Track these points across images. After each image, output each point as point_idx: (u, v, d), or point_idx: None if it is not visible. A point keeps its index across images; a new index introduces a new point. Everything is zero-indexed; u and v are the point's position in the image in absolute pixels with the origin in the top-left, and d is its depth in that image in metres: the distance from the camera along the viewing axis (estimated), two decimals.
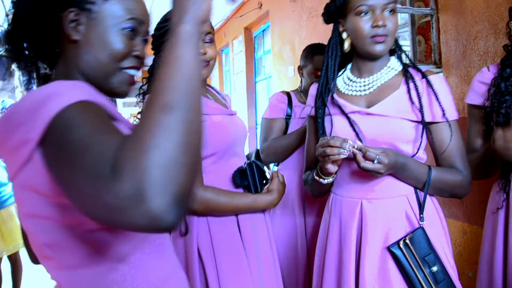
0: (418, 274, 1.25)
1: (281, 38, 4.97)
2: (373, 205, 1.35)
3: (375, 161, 1.23)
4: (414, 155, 1.35)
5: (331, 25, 1.52)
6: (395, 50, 1.44)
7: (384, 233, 1.32)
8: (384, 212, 1.34)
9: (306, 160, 1.58)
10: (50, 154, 0.65)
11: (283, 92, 2.27)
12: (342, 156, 1.25)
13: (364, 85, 1.42)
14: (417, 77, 1.39)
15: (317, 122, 1.47)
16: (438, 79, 1.38)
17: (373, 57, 1.40)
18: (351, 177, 1.39)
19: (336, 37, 1.46)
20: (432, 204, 1.39)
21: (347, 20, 1.39)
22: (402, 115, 1.34)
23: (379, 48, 1.35)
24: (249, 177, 1.42)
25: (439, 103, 1.34)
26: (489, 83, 1.54)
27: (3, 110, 5.25)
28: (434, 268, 1.26)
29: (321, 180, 1.39)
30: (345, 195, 1.40)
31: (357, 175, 1.37)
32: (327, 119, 1.44)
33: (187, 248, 1.40)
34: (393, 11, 1.34)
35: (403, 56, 1.46)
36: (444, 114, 1.33)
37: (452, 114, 1.36)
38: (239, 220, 1.43)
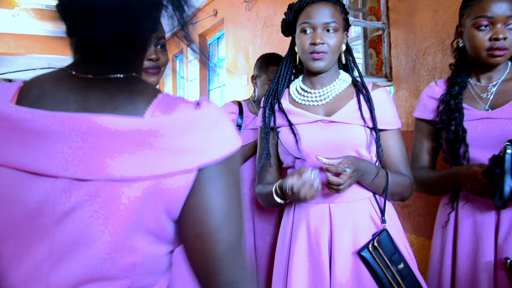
0: (387, 273, 1.34)
1: (235, 47, 4.95)
2: (341, 208, 1.41)
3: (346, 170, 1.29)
4: (372, 159, 1.45)
5: (285, 36, 1.60)
6: (346, 63, 1.53)
7: (352, 236, 1.39)
8: (351, 214, 1.41)
9: (258, 171, 1.57)
10: None
11: (234, 101, 2.24)
12: (317, 190, 1.30)
13: (320, 96, 1.49)
14: (368, 87, 1.48)
15: (263, 129, 1.53)
16: (384, 92, 1.50)
17: (315, 72, 1.48)
18: None
19: (290, 50, 1.56)
20: (390, 205, 1.48)
21: (296, 36, 1.49)
22: (360, 122, 1.42)
23: (316, 64, 1.44)
24: None
25: (384, 113, 1.46)
26: (437, 98, 1.57)
27: None
28: (400, 266, 1.35)
29: (281, 201, 1.44)
30: (311, 201, 1.41)
31: (322, 180, 1.39)
32: (284, 129, 1.50)
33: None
34: (334, 30, 1.43)
35: (351, 68, 1.55)
36: (389, 123, 1.46)
37: (397, 123, 1.49)
38: None
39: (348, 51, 1.53)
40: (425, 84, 2.32)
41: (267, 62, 2.18)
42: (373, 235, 1.37)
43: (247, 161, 2.11)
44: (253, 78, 2.24)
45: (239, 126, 2.15)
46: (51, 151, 0.61)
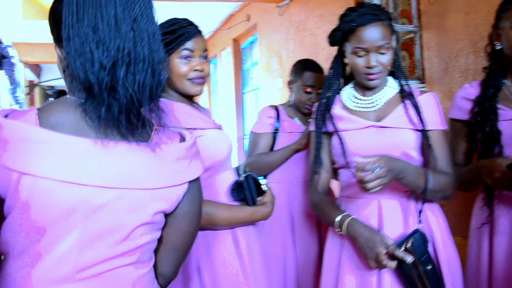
0: (413, 273, 1.35)
1: (269, 51, 5.05)
2: (392, 203, 1.48)
3: (375, 171, 1.29)
4: (421, 160, 1.51)
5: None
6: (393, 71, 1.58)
7: (402, 231, 1.44)
8: (398, 211, 1.47)
9: (313, 177, 1.65)
10: None
11: (271, 106, 2.32)
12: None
13: (371, 102, 1.57)
14: (415, 93, 1.55)
15: (316, 134, 1.62)
16: (430, 96, 1.56)
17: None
18: None
19: (339, 60, 1.61)
20: (436, 205, 1.53)
21: (347, 52, 1.54)
22: (409, 125, 1.50)
23: (372, 83, 1.52)
24: (246, 190, 1.46)
25: (431, 115, 1.52)
26: (472, 99, 1.62)
27: None
28: (428, 267, 1.37)
29: (339, 231, 1.49)
30: (361, 196, 1.51)
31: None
32: (335, 135, 1.59)
33: (185, 265, 1.42)
34: (387, 49, 1.47)
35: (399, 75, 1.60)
36: (435, 124, 1.51)
37: (443, 124, 1.54)
38: (235, 233, 1.47)
39: (396, 58, 1.57)
40: (458, 85, 2.36)
41: (302, 68, 2.26)
42: (406, 235, 1.40)
43: (297, 162, 2.19)
44: (289, 83, 2.32)
45: (276, 130, 2.23)
46: (81, 165, 0.81)
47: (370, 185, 1.27)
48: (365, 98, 1.58)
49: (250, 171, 2.18)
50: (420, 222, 1.44)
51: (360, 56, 1.48)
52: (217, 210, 1.40)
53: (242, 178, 1.48)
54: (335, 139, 1.58)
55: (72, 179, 0.80)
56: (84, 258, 0.83)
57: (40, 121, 0.82)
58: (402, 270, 1.36)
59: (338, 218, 1.48)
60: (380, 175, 1.28)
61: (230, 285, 1.41)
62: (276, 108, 2.29)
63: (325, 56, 3.65)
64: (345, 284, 1.48)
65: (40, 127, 0.81)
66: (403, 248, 1.35)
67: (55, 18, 0.88)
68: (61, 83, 8.63)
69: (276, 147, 2.23)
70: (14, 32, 6.38)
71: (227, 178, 1.51)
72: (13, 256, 0.83)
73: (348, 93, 1.62)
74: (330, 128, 1.60)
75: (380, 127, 1.51)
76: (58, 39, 0.88)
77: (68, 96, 0.89)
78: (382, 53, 1.46)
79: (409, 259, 1.32)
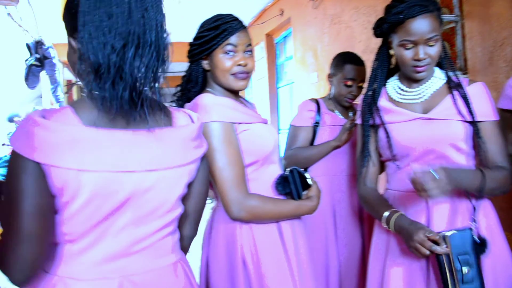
0: (444, 267, 1.33)
1: (303, 45, 5.03)
2: (439, 199, 1.43)
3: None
4: (470, 152, 1.49)
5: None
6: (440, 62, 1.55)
7: (449, 226, 1.42)
8: (448, 204, 1.45)
9: (361, 170, 1.65)
10: None
11: (312, 99, 2.32)
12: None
13: (417, 94, 1.55)
14: (463, 83, 1.51)
15: (363, 127, 1.62)
16: (479, 85, 1.52)
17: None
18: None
19: (385, 51, 1.59)
20: (488, 204, 1.51)
21: (393, 43, 1.51)
22: (457, 117, 1.47)
23: (419, 75, 1.49)
24: (291, 184, 1.46)
25: (481, 105, 1.48)
26: None
27: None
28: (465, 269, 1.32)
29: (386, 227, 1.49)
30: (409, 190, 1.48)
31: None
32: (381, 128, 1.58)
33: (231, 257, 1.43)
34: (435, 41, 1.44)
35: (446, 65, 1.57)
36: (486, 115, 1.47)
37: (494, 115, 1.49)
38: (280, 227, 1.47)
39: (443, 48, 1.54)
40: (504, 75, 2.29)
41: (343, 60, 2.24)
42: (456, 229, 1.38)
43: (340, 155, 2.18)
44: (329, 76, 2.31)
45: (317, 124, 2.23)
46: (129, 154, 0.92)
47: (433, 192, 1.27)
48: (411, 89, 1.55)
49: (288, 165, 2.20)
50: (474, 221, 1.41)
51: (408, 49, 1.45)
52: (263, 204, 1.41)
53: (287, 171, 1.48)
54: (381, 132, 1.57)
55: (126, 168, 0.91)
56: (137, 233, 0.96)
57: (81, 119, 0.89)
58: (437, 261, 1.35)
59: (386, 214, 1.47)
60: (440, 182, 1.28)
61: (275, 278, 1.41)
62: (316, 101, 2.29)
63: (361, 49, 3.61)
64: (392, 278, 1.47)
65: (87, 126, 0.88)
66: (440, 236, 1.33)
67: (72, 11, 0.93)
68: None
69: (317, 141, 2.23)
70: (54, 33, 6.55)
71: (273, 172, 1.51)
72: (73, 241, 0.92)
73: (393, 85, 1.61)
74: (376, 120, 1.59)
75: (427, 119, 1.49)
76: (72, 30, 0.95)
77: (94, 92, 0.94)
78: (431, 45, 1.44)
79: (442, 247, 1.31)
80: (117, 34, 0.88)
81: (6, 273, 0.88)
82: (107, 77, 0.88)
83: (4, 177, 0.88)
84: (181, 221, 1.10)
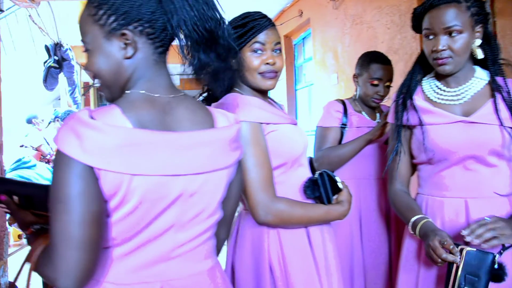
0: (449, 277, 1.27)
1: (323, 46, 4.96)
2: (479, 203, 1.38)
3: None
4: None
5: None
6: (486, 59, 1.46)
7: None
8: (490, 211, 1.35)
9: (392, 172, 1.58)
10: None
11: (338, 100, 2.26)
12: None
13: (456, 94, 1.46)
14: (510, 85, 1.43)
15: (395, 125, 1.54)
16: None
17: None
18: (451, 176, 1.42)
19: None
20: None
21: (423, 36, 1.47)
22: (503, 123, 1.38)
23: (441, 69, 1.41)
24: (321, 188, 1.39)
25: None
26: None
27: (56, 119, 5.42)
28: None
29: (412, 233, 1.43)
30: (446, 195, 1.42)
31: (459, 173, 1.40)
32: (417, 128, 1.50)
33: (257, 263, 1.39)
34: (458, 33, 1.37)
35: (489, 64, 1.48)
36: None
37: None
38: (309, 232, 1.41)
39: (489, 44, 1.46)
40: None
41: (369, 60, 2.17)
42: (480, 249, 1.28)
43: (367, 158, 2.11)
44: (355, 76, 2.24)
45: (344, 125, 2.16)
46: (179, 158, 0.88)
47: (504, 237, 1.24)
48: (450, 89, 1.47)
49: (319, 166, 2.13)
50: (504, 249, 1.29)
51: (429, 39, 1.40)
52: (291, 208, 1.34)
53: (316, 175, 1.42)
54: (417, 133, 1.49)
55: (174, 171, 0.88)
56: (178, 238, 0.93)
57: (131, 121, 0.85)
58: (447, 269, 1.29)
59: (413, 219, 1.41)
60: (503, 228, 1.24)
61: (302, 285, 1.36)
62: (342, 102, 2.22)
63: (384, 49, 3.52)
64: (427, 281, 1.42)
65: (137, 128, 0.84)
66: (457, 248, 1.27)
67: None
68: None
69: (343, 143, 2.15)
70: (72, 35, 6.59)
71: (302, 175, 1.45)
72: (116, 246, 0.89)
73: (430, 84, 1.52)
74: (412, 121, 1.50)
75: (469, 122, 1.41)
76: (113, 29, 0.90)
77: (139, 91, 0.91)
78: (453, 37, 1.37)
79: (452, 257, 1.24)
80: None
81: (55, 282, 0.83)
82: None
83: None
84: (218, 224, 1.06)
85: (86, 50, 0.94)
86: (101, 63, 0.92)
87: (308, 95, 5.90)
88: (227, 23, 0.97)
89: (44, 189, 1.08)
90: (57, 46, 5.59)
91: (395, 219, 2.08)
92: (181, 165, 0.89)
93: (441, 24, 1.37)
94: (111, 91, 0.95)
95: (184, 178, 0.89)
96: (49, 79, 5.63)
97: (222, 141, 0.97)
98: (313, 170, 2.23)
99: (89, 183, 0.80)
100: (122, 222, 0.86)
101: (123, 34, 0.89)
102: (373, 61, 2.15)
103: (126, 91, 0.92)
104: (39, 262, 0.90)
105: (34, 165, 3.91)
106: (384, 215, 2.11)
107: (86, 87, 10.11)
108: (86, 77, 9.10)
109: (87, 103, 10.39)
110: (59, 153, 0.81)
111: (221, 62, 0.96)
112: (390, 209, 2.09)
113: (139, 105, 0.88)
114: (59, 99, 7.01)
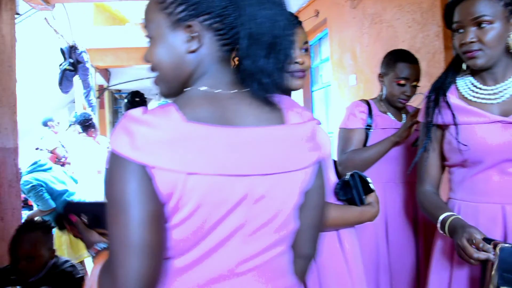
0: (486, 276, 1.20)
1: (340, 46, 4.87)
2: None
3: None
4: None
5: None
6: None
7: None
8: None
9: (421, 172, 1.51)
10: None
11: (362, 100, 2.17)
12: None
13: (494, 93, 1.37)
14: None
15: (426, 124, 1.46)
16: None
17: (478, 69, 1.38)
18: (487, 180, 1.34)
19: None
20: None
21: None
22: None
23: (471, 62, 1.34)
24: (353, 189, 1.36)
25: None
26: None
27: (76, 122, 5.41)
28: None
29: (441, 232, 1.37)
30: (481, 200, 1.35)
31: (495, 177, 1.32)
32: (450, 128, 1.41)
33: None
34: (489, 23, 1.30)
35: None
36: None
37: None
38: (339, 234, 1.38)
39: None
40: None
41: (395, 58, 2.09)
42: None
43: (393, 161, 2.03)
44: (380, 76, 2.15)
45: (369, 126, 2.08)
46: (242, 156, 0.78)
47: None
48: (487, 87, 1.39)
49: (344, 169, 2.05)
50: None
51: (458, 33, 1.34)
52: (327, 210, 1.30)
53: (347, 176, 1.38)
54: (450, 133, 1.41)
55: (237, 171, 0.78)
56: (245, 251, 0.82)
57: (186, 117, 0.77)
58: (482, 267, 1.21)
59: (442, 217, 1.34)
60: None
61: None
62: (367, 102, 2.14)
63: (405, 48, 3.43)
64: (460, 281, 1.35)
65: (194, 122, 0.76)
66: (489, 245, 1.19)
67: None
68: (128, 87, 8.90)
69: (368, 145, 2.07)
70: (87, 38, 6.62)
71: (329, 177, 1.41)
72: (177, 255, 0.80)
73: (465, 81, 1.44)
74: (446, 119, 1.42)
75: (508, 123, 1.32)
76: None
77: (200, 88, 0.84)
78: (481, 27, 1.30)
79: (485, 254, 1.17)
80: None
81: None
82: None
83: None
84: (296, 238, 0.94)
85: (149, 38, 0.88)
86: (162, 54, 0.85)
87: (325, 97, 5.82)
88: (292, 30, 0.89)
89: None
90: (72, 48, 5.61)
91: (423, 224, 2.00)
92: (244, 164, 0.79)
93: (469, 15, 1.31)
94: (169, 86, 0.88)
95: (248, 179, 0.79)
96: (64, 81, 5.65)
97: (295, 139, 0.86)
98: (337, 173, 2.16)
99: (144, 183, 0.73)
100: (180, 229, 0.77)
101: (189, 26, 0.82)
102: (399, 60, 2.07)
103: (185, 89, 0.86)
104: (101, 277, 0.82)
105: (50, 168, 3.89)
106: (411, 221, 2.03)
107: (101, 90, 10.16)
108: (100, 80, 9.15)
109: (101, 105, 10.44)
110: (111, 153, 0.76)
111: (278, 70, 0.85)
112: (417, 214, 2.01)
113: (197, 101, 0.81)
114: (74, 102, 7.04)
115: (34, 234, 2.05)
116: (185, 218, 0.77)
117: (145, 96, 3.03)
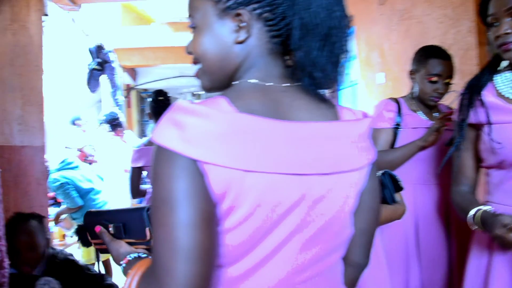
0: None
1: (368, 44, 4.78)
2: None
3: None
4: None
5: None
6: None
7: None
8: None
9: (455, 173, 1.45)
10: None
11: (391, 99, 2.09)
12: None
13: None
14: None
15: (460, 123, 1.41)
16: None
17: None
18: None
19: None
20: None
21: None
22: None
23: (508, 55, 1.29)
24: (385, 188, 1.33)
25: None
26: None
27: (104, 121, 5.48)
28: None
29: (475, 228, 1.32)
30: None
31: None
32: (485, 127, 1.35)
33: None
34: None
35: None
36: None
37: None
38: None
39: None
40: None
41: (427, 55, 2.00)
42: None
43: (423, 161, 1.96)
44: (411, 73, 2.07)
45: (397, 126, 2.00)
46: (301, 153, 0.72)
47: None
48: None
49: None
50: None
51: (493, 26, 1.29)
52: (380, 214, 1.28)
53: (379, 175, 1.33)
54: (485, 132, 1.34)
55: (295, 169, 0.72)
56: (301, 259, 0.76)
57: (238, 108, 0.71)
58: None
59: (472, 211, 1.28)
60: None
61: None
62: (396, 101, 2.06)
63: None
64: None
65: (250, 114, 0.69)
66: None
67: None
68: (154, 86, 8.96)
69: (397, 145, 2.00)
70: (114, 38, 6.69)
71: None
72: (230, 262, 0.73)
73: (504, 78, 1.36)
74: (481, 118, 1.35)
75: None
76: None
77: (249, 81, 0.79)
78: None
79: None
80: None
81: None
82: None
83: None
84: (348, 244, 0.88)
85: (193, 28, 0.82)
86: (208, 44, 0.80)
87: (352, 95, 5.73)
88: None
89: (137, 212, 0.96)
90: (99, 48, 5.67)
91: (456, 227, 1.91)
92: (302, 162, 0.72)
93: (502, 5, 1.26)
94: (213, 78, 0.83)
95: (307, 179, 0.73)
96: (92, 81, 5.73)
97: (350, 136, 0.79)
98: None
99: (195, 180, 0.66)
100: (235, 233, 0.70)
101: (238, 15, 0.77)
102: (431, 56, 1.98)
103: (234, 82, 0.80)
104: (142, 287, 0.76)
105: (77, 166, 3.94)
106: (443, 224, 1.95)
107: (128, 89, 10.28)
108: (127, 79, 9.25)
109: (128, 105, 10.56)
110: (158, 148, 0.69)
111: (332, 64, 0.78)
112: (450, 218, 1.93)
113: (248, 94, 0.75)
114: (101, 102, 7.13)
115: (29, 223, 2.03)
116: (241, 220, 0.70)
117: (169, 95, 3.01)
